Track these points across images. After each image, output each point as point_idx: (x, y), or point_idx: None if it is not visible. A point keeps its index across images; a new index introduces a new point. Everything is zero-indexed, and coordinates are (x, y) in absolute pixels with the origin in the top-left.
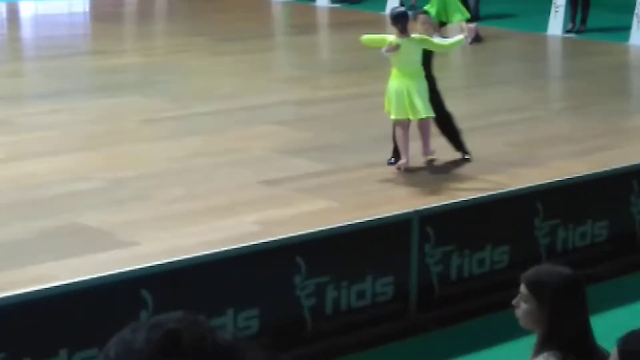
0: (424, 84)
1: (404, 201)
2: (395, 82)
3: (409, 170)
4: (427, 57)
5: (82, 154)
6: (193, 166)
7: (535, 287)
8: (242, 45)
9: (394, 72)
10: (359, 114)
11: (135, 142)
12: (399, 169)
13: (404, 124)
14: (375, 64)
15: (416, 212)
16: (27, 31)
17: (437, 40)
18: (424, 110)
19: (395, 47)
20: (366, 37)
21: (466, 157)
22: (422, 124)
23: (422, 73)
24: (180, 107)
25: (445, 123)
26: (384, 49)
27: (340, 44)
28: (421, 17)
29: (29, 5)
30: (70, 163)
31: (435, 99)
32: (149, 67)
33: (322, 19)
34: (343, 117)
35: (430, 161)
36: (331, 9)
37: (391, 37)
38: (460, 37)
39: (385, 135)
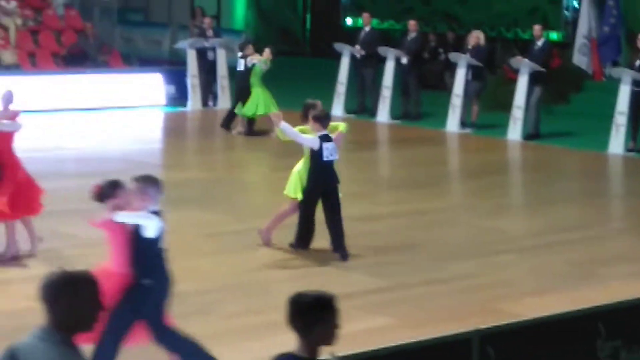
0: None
1: (464, 319)
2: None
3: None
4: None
5: None
6: (253, 281)
7: None
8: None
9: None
10: (418, 230)
11: (196, 256)
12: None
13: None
14: (434, 181)
15: (477, 331)
16: (94, 144)
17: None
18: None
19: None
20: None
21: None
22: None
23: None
24: (240, 222)
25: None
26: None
27: (400, 160)
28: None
29: (99, 116)
30: None
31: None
32: (210, 181)
33: (383, 135)
34: (402, 233)
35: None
36: (391, 125)
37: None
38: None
39: (445, 252)
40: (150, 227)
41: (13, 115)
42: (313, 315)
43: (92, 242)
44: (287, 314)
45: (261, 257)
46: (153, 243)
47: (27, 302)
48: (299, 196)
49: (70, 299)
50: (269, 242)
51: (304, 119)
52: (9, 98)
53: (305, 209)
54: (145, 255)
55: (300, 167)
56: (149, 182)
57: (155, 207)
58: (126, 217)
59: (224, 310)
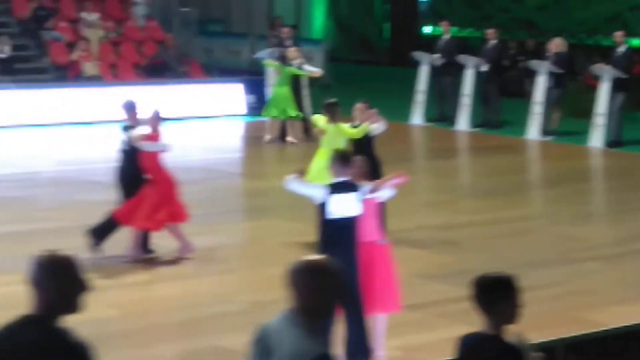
0: None
1: (547, 328)
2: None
3: None
4: (366, 145)
5: (226, 276)
6: None
7: None
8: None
9: (320, 151)
10: (499, 238)
11: (277, 264)
12: None
13: None
14: (515, 189)
15: (561, 340)
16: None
17: (350, 129)
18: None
19: (321, 132)
20: (315, 117)
21: None
22: None
23: None
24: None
25: None
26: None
27: (481, 168)
28: (357, 104)
29: (180, 126)
30: (214, 285)
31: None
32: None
33: (462, 143)
34: (483, 241)
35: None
36: (471, 133)
37: (322, 121)
38: (364, 125)
39: (527, 261)
40: (315, 196)
41: (157, 134)
42: (496, 295)
43: (172, 250)
44: (472, 294)
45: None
46: (326, 214)
47: (111, 310)
48: None
49: (310, 285)
50: None
51: (332, 119)
52: (156, 116)
53: None
54: (324, 228)
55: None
56: (336, 158)
57: (338, 179)
58: (294, 185)
59: None
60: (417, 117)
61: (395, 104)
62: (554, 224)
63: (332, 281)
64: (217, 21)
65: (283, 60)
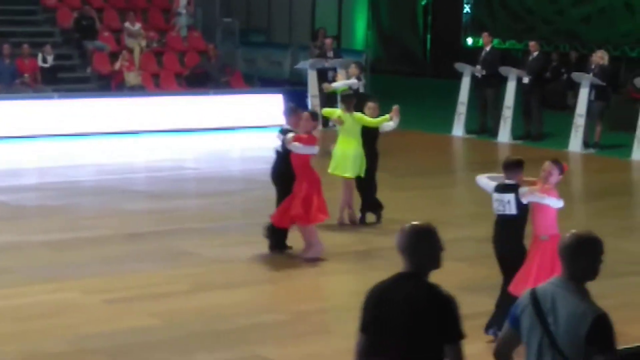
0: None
1: None
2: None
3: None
4: (372, 136)
5: (268, 286)
6: None
7: None
8: (423, 180)
9: (339, 139)
10: None
11: (319, 275)
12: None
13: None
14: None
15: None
16: (216, 164)
17: (369, 118)
18: (351, 171)
19: (340, 121)
20: (325, 110)
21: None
22: (348, 182)
23: (360, 142)
24: (363, 242)
25: (365, 188)
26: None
27: None
28: (369, 103)
29: (221, 137)
30: (254, 295)
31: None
32: (335, 201)
33: (503, 155)
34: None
35: None
36: (512, 145)
37: (338, 112)
38: (385, 116)
39: None
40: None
41: (310, 136)
42: None
43: (213, 260)
44: None
45: (383, 277)
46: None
47: (150, 319)
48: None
49: (587, 256)
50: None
51: (348, 109)
52: (309, 117)
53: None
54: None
55: (358, 151)
56: (507, 163)
57: (506, 181)
58: (482, 181)
59: (345, 330)
60: (458, 129)
61: (436, 116)
62: None
63: (598, 249)
64: (259, 31)
65: (326, 74)
